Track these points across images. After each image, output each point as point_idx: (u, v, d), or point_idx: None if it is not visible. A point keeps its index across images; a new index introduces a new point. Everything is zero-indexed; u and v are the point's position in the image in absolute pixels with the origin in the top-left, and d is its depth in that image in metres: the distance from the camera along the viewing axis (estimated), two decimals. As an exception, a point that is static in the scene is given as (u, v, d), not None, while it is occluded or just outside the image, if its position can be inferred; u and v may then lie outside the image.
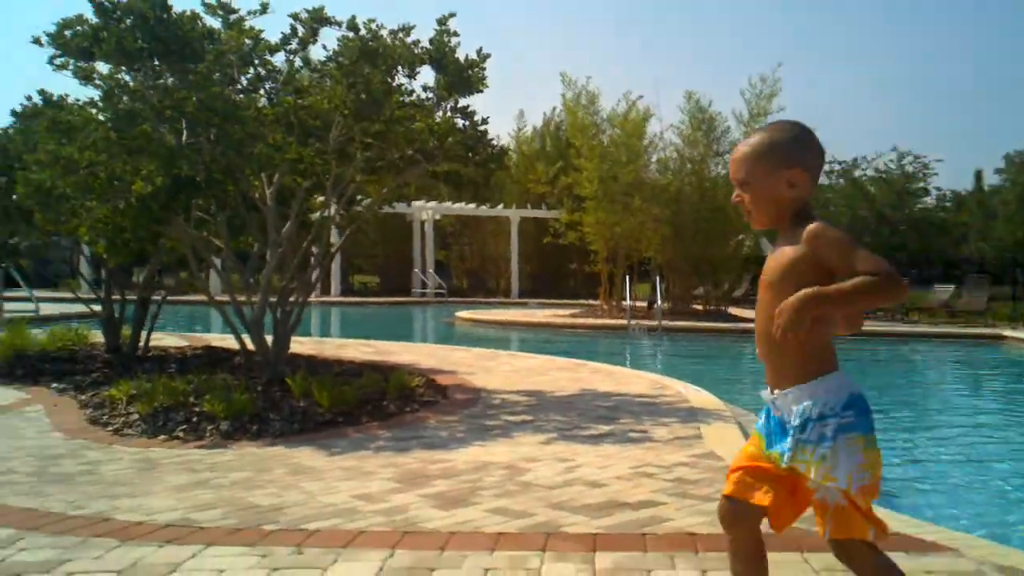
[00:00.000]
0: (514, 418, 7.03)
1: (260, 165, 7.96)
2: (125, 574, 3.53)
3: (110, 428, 6.68)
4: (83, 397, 7.92)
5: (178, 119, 7.94)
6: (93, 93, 8.94)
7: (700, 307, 22.99)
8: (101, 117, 8.52)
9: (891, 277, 2.18)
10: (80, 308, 14.23)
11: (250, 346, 8.49)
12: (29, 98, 10.31)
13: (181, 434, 6.38)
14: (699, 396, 8.21)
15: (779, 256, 2.42)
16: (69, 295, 15.31)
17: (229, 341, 11.18)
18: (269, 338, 8.43)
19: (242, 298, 8.59)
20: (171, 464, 5.56)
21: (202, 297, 9.08)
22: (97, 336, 11.39)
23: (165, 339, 12.27)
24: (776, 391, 2.44)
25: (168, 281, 12.06)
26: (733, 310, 22.80)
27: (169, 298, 11.23)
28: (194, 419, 6.63)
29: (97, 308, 11.08)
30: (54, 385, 8.68)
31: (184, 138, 7.94)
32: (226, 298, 8.90)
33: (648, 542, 3.84)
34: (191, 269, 8.85)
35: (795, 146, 2.44)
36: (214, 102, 7.87)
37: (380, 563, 3.60)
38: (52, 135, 8.30)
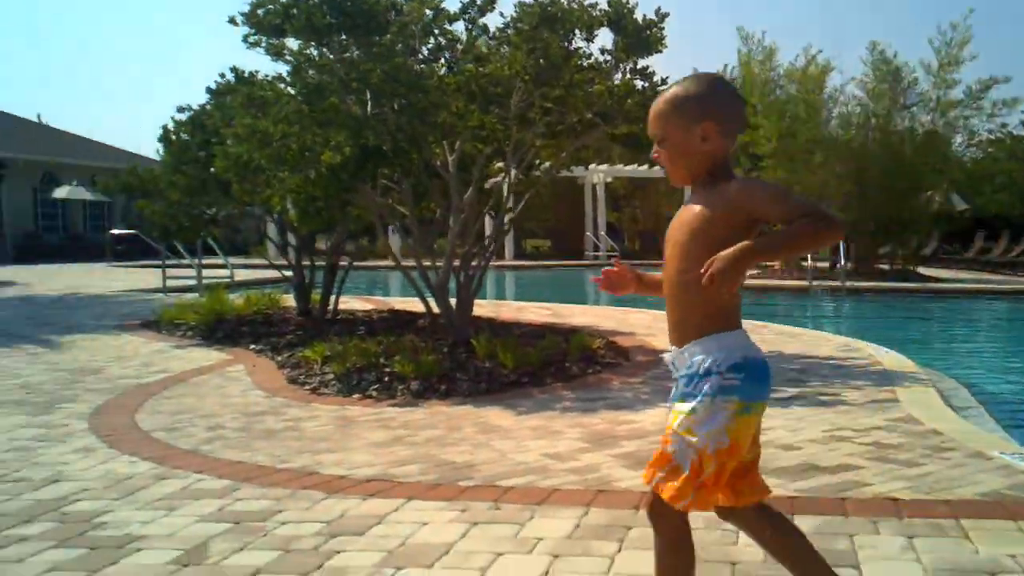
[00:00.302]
0: (698, 380, 6.95)
1: (444, 133, 8.11)
2: (334, 524, 3.72)
3: (307, 387, 7.01)
4: (280, 358, 8.32)
5: (363, 90, 8.18)
6: (282, 68, 9.32)
7: (886, 267, 22.07)
8: (290, 91, 8.88)
9: (832, 217, 2.15)
10: (269, 274, 14.92)
11: (435, 309, 8.71)
12: (222, 75, 10.83)
13: (374, 393, 6.63)
14: (892, 358, 7.90)
15: (689, 212, 2.36)
16: (258, 261, 16.08)
17: (412, 304, 11.51)
18: (452, 301, 8.63)
19: (427, 263, 8.81)
20: (367, 422, 5.79)
21: (381, 262, 9.38)
22: (288, 300, 11.92)
23: (351, 303, 12.72)
24: (673, 350, 2.39)
25: (349, 247, 12.48)
26: (922, 269, 21.79)
27: (340, 263, 11.62)
28: (385, 379, 6.87)
29: (288, 274, 11.60)
30: (252, 346, 9.15)
31: (369, 109, 8.18)
32: (411, 263, 9.16)
33: (848, 506, 3.75)
34: (378, 235, 9.14)
35: (707, 99, 2.36)
36: (398, 73, 8.07)
37: (576, 520, 3.65)
38: (247, 110, 8.71)
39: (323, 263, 11.30)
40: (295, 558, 3.36)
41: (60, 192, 35.78)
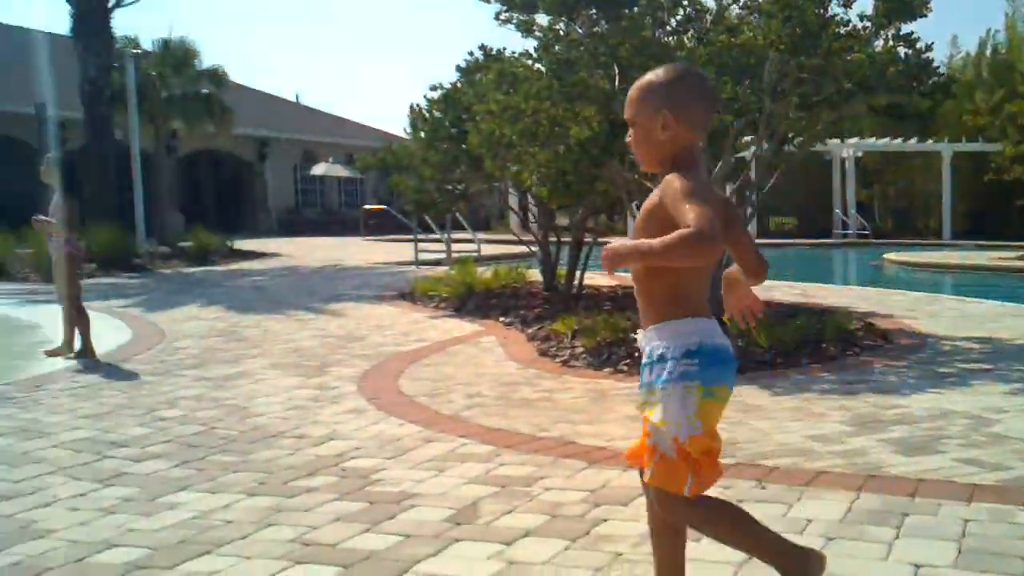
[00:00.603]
0: (970, 366, 6.53)
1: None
2: (598, 493, 3.77)
3: (558, 359, 7.12)
4: (529, 331, 8.49)
5: (611, 64, 8.18)
6: (530, 45, 9.48)
7: None
8: (539, 67, 9.01)
9: (695, 235, 2.11)
10: (512, 248, 15.24)
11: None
12: (471, 53, 11.13)
13: (624, 368, 6.65)
14: None
15: (649, 199, 2.43)
16: (501, 236, 16.42)
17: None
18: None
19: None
20: (619, 395, 5.82)
21: (622, 239, 9.33)
22: (533, 275, 12.14)
23: (594, 278, 12.77)
24: (640, 331, 2.47)
25: (590, 223, 12.53)
26: None
27: (586, 239, 11.67)
28: (635, 354, 6.87)
29: (534, 249, 11.80)
30: (502, 319, 9.39)
31: (617, 83, 8.17)
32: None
33: None
34: (626, 210, 9.13)
35: (671, 89, 2.40)
36: (647, 46, 8.01)
37: (847, 504, 3.53)
38: (499, 87, 8.90)
39: (567, 239, 11.42)
40: (562, 523, 3.43)
41: (317, 169, 38.02)
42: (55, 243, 7.44)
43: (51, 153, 8.49)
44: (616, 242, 2.29)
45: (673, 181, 2.28)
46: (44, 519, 3.67)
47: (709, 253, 2.17)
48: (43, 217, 7.44)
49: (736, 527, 2.44)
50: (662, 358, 2.34)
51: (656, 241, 2.18)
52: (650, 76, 2.45)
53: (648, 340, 2.41)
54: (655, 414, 2.35)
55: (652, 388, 2.36)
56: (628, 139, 2.51)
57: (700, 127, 2.44)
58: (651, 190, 7.42)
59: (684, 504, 2.37)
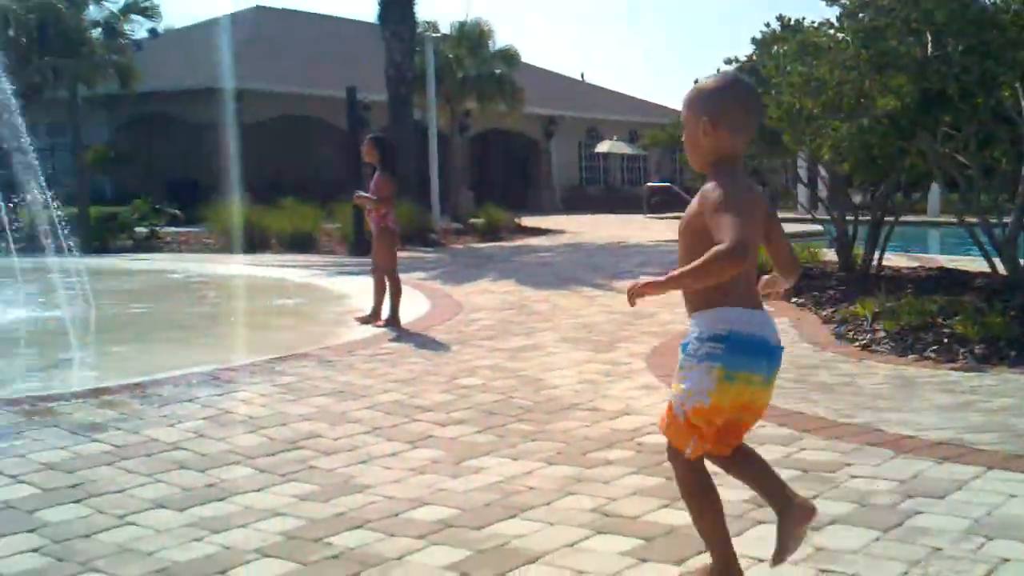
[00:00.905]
0: None
1: (1022, 73, 7.35)
2: (908, 484, 3.57)
3: (857, 343, 6.80)
4: (824, 312, 8.15)
5: (924, 32, 7.68)
6: (830, 14, 9.05)
7: None
8: (839, 36, 8.59)
9: (723, 255, 2.29)
10: (799, 227, 14.67)
11: (1000, 268, 7.98)
12: (767, 24, 10.77)
13: (932, 355, 6.25)
14: None
15: (694, 200, 2.54)
16: (786, 214, 15.78)
17: (961, 263, 10.70)
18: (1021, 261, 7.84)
19: (993, 219, 8.09)
20: (928, 383, 5.48)
21: (916, 217, 8.75)
22: (825, 254, 11.64)
23: (891, 259, 12.09)
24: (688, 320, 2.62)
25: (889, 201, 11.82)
26: None
27: (886, 218, 11.02)
28: (944, 340, 6.44)
29: (818, 228, 11.31)
30: (793, 300, 9.04)
31: (930, 50, 7.66)
32: (970, 219, 8.48)
33: None
34: (939, 187, 8.56)
35: (712, 97, 2.54)
36: (965, 10, 7.46)
37: None
38: (800, 58, 8.58)
39: (865, 218, 10.85)
40: (873, 514, 3.27)
41: (601, 147, 38.38)
42: (374, 218, 7.86)
43: (373, 133, 9.02)
44: (643, 279, 2.47)
45: (710, 193, 2.43)
46: (361, 475, 3.94)
47: (737, 266, 2.31)
48: (363, 194, 7.91)
49: (704, 510, 2.64)
50: (696, 339, 2.51)
51: (688, 268, 2.37)
52: (701, 82, 2.62)
53: (691, 327, 2.57)
54: (674, 379, 2.58)
55: (682, 363, 2.55)
56: (683, 138, 2.66)
57: (741, 133, 2.55)
58: (965, 164, 6.94)
59: (684, 462, 2.59)
